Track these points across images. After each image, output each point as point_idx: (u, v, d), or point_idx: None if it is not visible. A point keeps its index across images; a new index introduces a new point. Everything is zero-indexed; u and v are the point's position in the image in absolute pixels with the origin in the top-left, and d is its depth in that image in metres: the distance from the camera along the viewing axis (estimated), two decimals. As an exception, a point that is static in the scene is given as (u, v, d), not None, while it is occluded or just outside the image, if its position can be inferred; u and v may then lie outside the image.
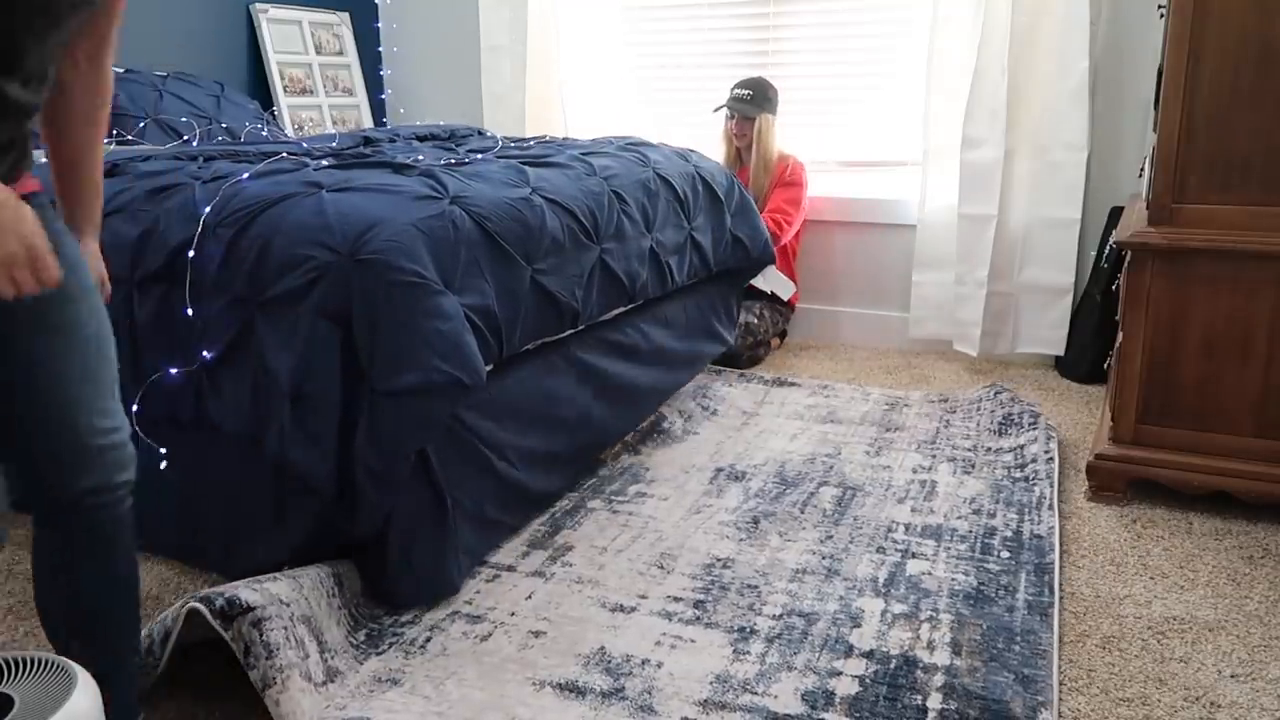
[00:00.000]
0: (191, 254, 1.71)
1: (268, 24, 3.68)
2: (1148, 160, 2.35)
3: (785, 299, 3.36)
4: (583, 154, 2.35)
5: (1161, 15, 2.41)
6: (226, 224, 1.71)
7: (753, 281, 3.13)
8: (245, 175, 1.84)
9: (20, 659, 1.36)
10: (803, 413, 2.78)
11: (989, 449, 2.47)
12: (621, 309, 2.34)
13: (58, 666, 1.35)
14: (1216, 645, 1.65)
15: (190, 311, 1.71)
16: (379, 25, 4.13)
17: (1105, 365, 2.69)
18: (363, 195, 1.76)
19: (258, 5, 3.66)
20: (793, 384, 3.04)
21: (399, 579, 1.71)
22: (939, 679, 1.51)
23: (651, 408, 2.55)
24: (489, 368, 1.78)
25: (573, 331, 2.15)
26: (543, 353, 2.07)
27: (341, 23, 3.99)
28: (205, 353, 1.71)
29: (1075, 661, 1.60)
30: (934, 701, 1.46)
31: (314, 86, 3.82)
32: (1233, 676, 1.56)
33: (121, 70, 3.02)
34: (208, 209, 1.73)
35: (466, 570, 1.83)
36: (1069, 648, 1.64)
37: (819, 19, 3.50)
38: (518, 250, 1.87)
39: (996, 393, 2.79)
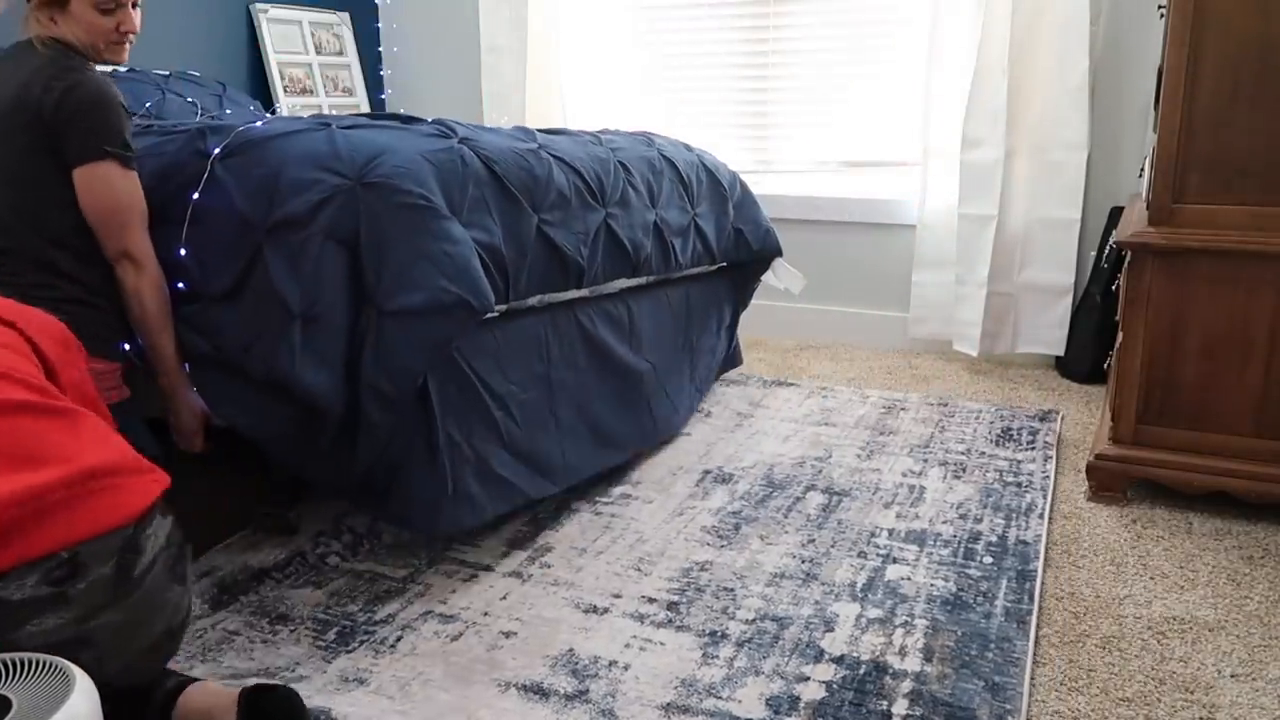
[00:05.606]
0: (195, 196, 1.71)
1: (268, 24, 3.68)
2: (1148, 160, 2.35)
3: (797, 293, 3.34)
4: (590, 135, 2.41)
5: (1161, 15, 2.41)
6: (236, 154, 1.73)
7: (763, 278, 3.11)
8: (258, 123, 1.85)
9: (19, 660, 1.36)
10: (798, 415, 2.76)
11: (982, 453, 2.45)
12: (626, 281, 2.35)
13: (56, 668, 1.34)
14: (1216, 645, 1.64)
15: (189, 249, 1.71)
16: (379, 25, 4.13)
17: (1105, 365, 2.69)
18: (372, 130, 1.82)
19: (258, 5, 3.66)
20: (791, 385, 3.04)
21: (391, 498, 1.74)
22: (907, 685, 1.50)
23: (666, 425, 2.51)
24: (496, 310, 1.81)
25: (578, 295, 2.16)
26: (550, 311, 2.10)
27: (341, 23, 3.99)
28: (216, 284, 1.72)
29: (1075, 661, 1.59)
30: (900, 708, 1.44)
31: (314, 86, 3.82)
32: (1233, 676, 1.56)
33: (124, 69, 3.02)
34: (217, 149, 1.74)
35: (480, 510, 1.84)
36: (1069, 648, 1.63)
37: (818, 19, 3.50)
38: (524, 196, 1.91)
39: (999, 409, 2.77)
